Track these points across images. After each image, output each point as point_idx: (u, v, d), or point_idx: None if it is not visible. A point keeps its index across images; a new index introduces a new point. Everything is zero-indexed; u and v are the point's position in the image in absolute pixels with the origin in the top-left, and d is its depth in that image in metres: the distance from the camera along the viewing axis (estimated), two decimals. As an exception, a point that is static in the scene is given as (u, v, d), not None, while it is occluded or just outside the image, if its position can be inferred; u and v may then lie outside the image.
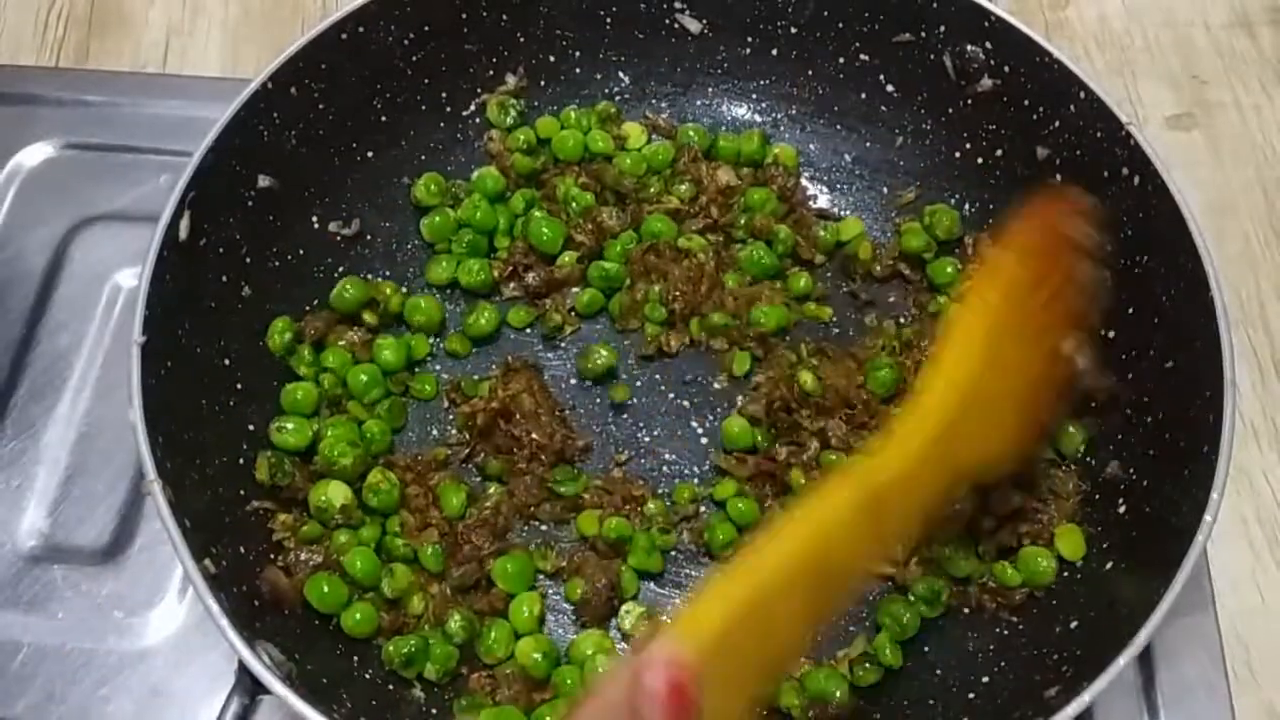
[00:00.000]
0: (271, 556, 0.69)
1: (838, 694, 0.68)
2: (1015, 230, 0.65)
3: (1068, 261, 0.66)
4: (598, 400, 0.80)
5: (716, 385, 0.81)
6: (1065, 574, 0.71)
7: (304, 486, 0.72)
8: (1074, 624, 0.67)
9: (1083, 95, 0.74)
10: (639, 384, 0.81)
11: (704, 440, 0.79)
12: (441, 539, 0.72)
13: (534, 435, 0.76)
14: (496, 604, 0.71)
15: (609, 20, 0.85)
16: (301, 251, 0.80)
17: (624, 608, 0.72)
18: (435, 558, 0.71)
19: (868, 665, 0.69)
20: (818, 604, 0.54)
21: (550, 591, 0.74)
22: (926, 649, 0.71)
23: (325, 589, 0.68)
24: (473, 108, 0.86)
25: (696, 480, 0.77)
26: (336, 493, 0.72)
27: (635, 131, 0.87)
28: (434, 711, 0.68)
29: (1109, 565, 0.69)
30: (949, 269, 0.82)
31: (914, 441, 0.57)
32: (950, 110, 0.82)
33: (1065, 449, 0.74)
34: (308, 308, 0.79)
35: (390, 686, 0.68)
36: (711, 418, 0.80)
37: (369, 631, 0.69)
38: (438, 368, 0.81)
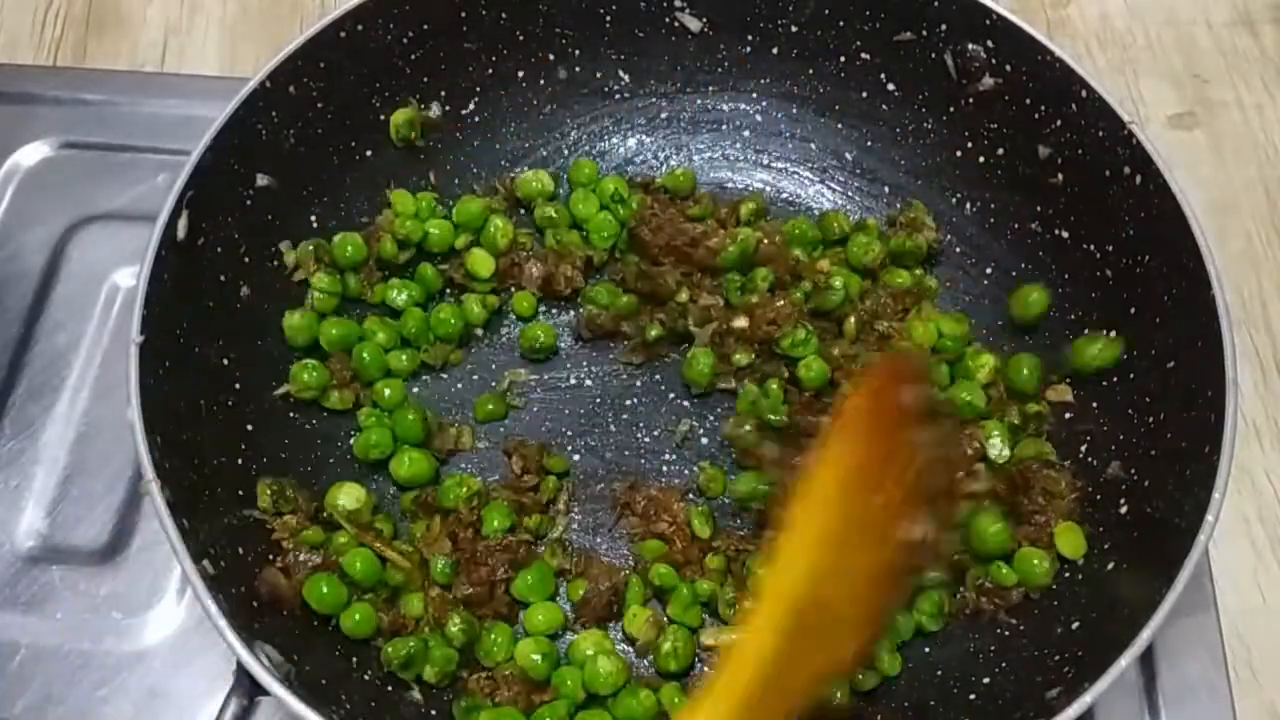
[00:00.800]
0: (270, 557, 0.69)
1: (838, 695, 0.67)
2: (851, 412, 0.57)
3: (907, 438, 0.56)
4: (597, 399, 0.80)
5: (716, 385, 0.80)
6: (1066, 574, 0.70)
7: (307, 509, 0.72)
8: (1075, 624, 0.67)
9: (1084, 94, 0.74)
10: (639, 384, 0.81)
11: (704, 440, 0.79)
12: (456, 552, 0.72)
13: None
14: (500, 608, 0.71)
15: (609, 19, 0.85)
16: (300, 251, 0.80)
17: (630, 610, 0.72)
18: (445, 573, 0.71)
19: (865, 671, 0.69)
20: None
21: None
22: (927, 650, 0.71)
23: (324, 590, 0.68)
24: (472, 106, 0.86)
25: (697, 483, 0.77)
26: (349, 496, 0.73)
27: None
28: (433, 713, 0.68)
29: (1110, 565, 0.69)
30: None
31: (737, 684, 0.49)
32: (951, 109, 0.82)
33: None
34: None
35: (389, 688, 0.68)
36: (712, 418, 0.79)
37: (368, 633, 0.69)
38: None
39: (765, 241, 0.81)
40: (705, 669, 0.71)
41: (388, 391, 0.78)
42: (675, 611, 0.71)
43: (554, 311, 0.84)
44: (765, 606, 0.51)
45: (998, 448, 0.74)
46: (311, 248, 0.79)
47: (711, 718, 0.48)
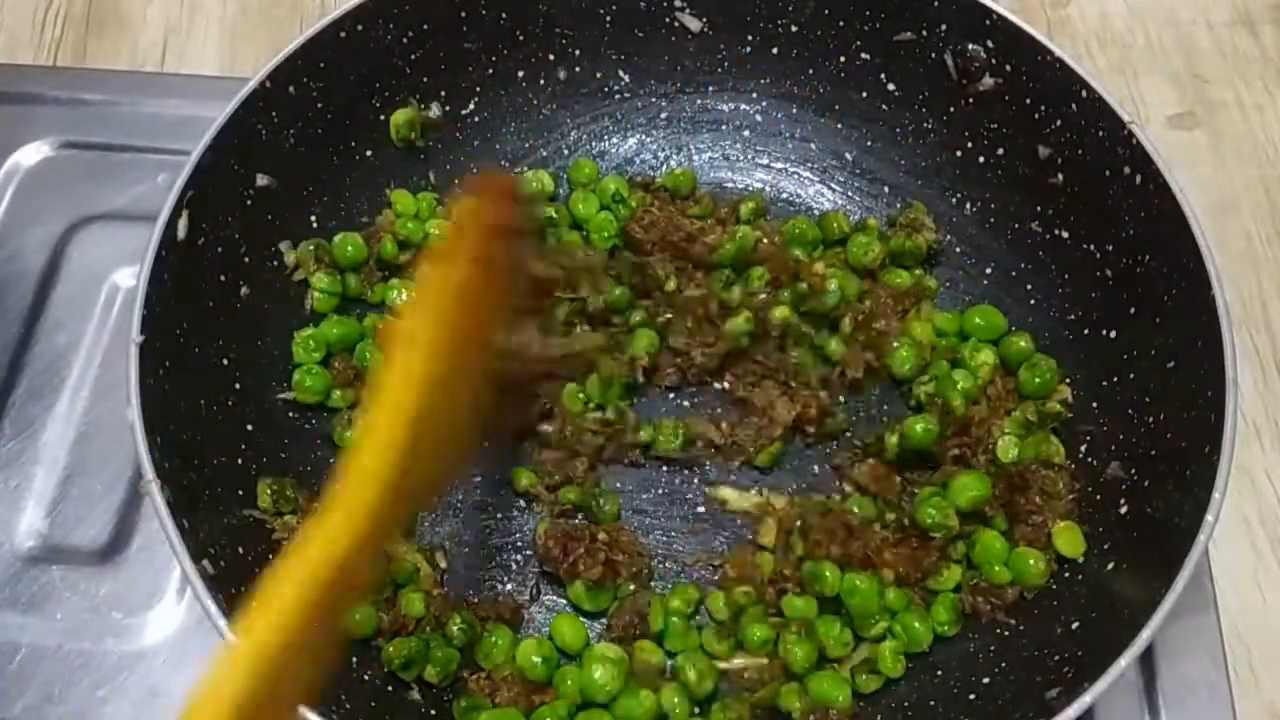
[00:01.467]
0: (270, 557, 0.69)
1: (840, 699, 0.67)
2: (452, 235, 0.60)
3: (505, 253, 0.60)
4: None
5: (718, 387, 0.80)
6: (1066, 574, 0.70)
7: (307, 509, 0.72)
8: (1075, 624, 0.67)
9: (1084, 94, 0.74)
10: (639, 384, 0.81)
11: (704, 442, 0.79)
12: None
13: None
14: (504, 612, 0.71)
15: (609, 18, 0.85)
16: (300, 251, 0.80)
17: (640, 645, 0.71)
18: (461, 635, 0.70)
19: (868, 674, 0.69)
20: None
21: (557, 595, 0.74)
22: (927, 650, 0.71)
23: (324, 590, 0.68)
24: (472, 106, 0.86)
25: (697, 480, 0.77)
26: None
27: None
28: (433, 713, 0.68)
29: (1110, 565, 0.69)
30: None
31: (361, 502, 0.50)
32: (952, 109, 0.82)
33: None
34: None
35: (389, 688, 0.68)
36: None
37: (368, 633, 0.69)
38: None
39: (764, 241, 0.81)
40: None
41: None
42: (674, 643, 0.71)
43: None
44: (384, 418, 0.52)
45: (1006, 447, 0.74)
46: (311, 248, 0.79)
47: (346, 522, 0.49)
